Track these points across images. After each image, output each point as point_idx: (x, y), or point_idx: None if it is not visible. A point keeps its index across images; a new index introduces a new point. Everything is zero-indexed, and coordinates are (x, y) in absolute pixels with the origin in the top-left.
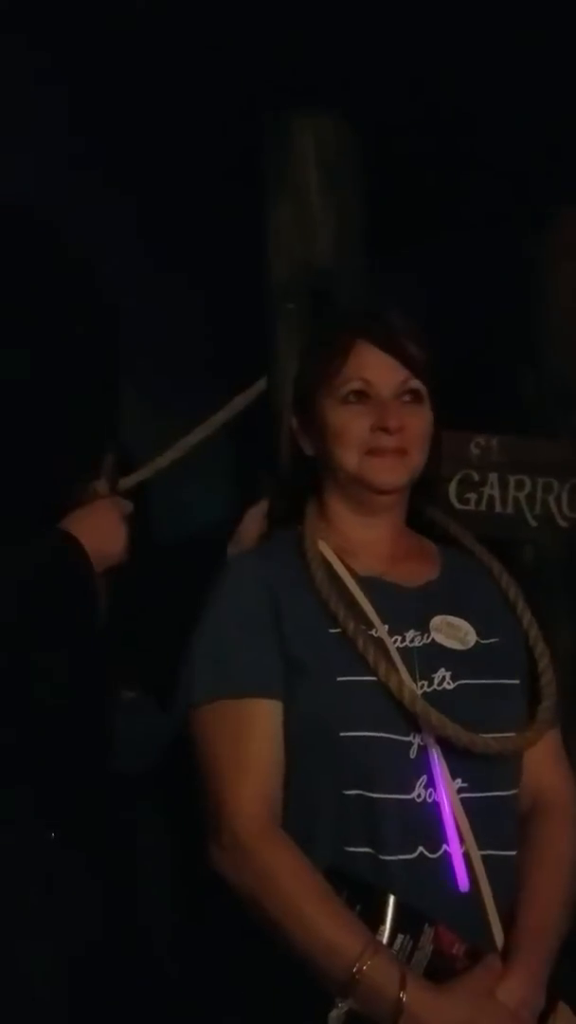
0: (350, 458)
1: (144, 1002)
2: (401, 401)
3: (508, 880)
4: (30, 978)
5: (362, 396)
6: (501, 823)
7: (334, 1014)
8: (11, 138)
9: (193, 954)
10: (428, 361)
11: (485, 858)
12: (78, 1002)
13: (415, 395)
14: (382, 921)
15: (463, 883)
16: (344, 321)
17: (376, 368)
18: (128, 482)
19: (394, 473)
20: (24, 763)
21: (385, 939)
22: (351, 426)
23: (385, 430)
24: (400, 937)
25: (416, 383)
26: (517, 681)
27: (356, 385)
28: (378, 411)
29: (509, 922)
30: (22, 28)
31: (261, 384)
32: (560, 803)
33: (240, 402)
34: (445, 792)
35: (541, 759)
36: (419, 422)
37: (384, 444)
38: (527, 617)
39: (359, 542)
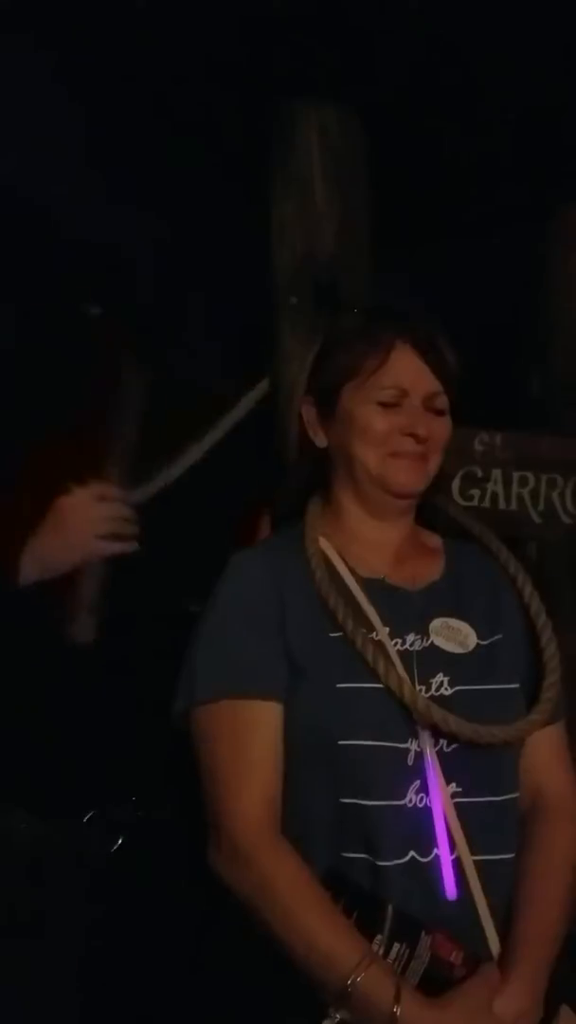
0: (372, 457)
1: (141, 1004)
2: (426, 408)
3: (505, 884)
4: (29, 977)
5: (396, 399)
6: (497, 827)
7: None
8: (15, 131)
9: (190, 957)
10: (457, 372)
11: (479, 863)
12: (76, 1002)
13: (441, 406)
14: (379, 930)
15: (451, 887)
16: (385, 318)
17: (413, 376)
18: (143, 494)
19: (414, 476)
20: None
21: (382, 948)
22: (379, 426)
23: (414, 436)
24: (397, 946)
25: (444, 399)
26: (516, 685)
27: (391, 392)
28: (408, 417)
29: (507, 926)
30: (26, 21)
31: (264, 385)
32: (561, 804)
33: (247, 404)
34: (436, 797)
35: (543, 759)
36: (443, 431)
37: (409, 449)
38: (535, 604)
39: (367, 542)
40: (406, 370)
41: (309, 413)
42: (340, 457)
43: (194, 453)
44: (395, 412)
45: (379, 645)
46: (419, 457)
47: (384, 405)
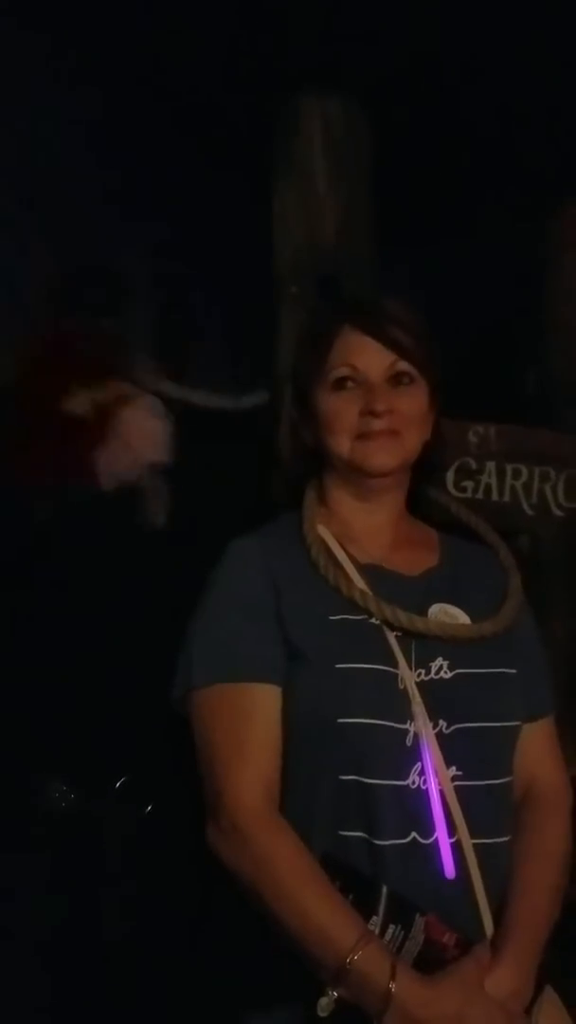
0: (342, 444)
1: (139, 980)
2: (391, 384)
3: (501, 867)
4: (26, 960)
5: (351, 382)
6: (495, 811)
7: (324, 1001)
8: (20, 125)
9: (187, 934)
10: (419, 343)
11: (478, 846)
12: (74, 985)
13: (406, 377)
14: (374, 911)
15: (450, 869)
16: (331, 309)
17: (361, 353)
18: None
19: (386, 455)
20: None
21: (377, 929)
22: (340, 412)
23: (373, 414)
24: (392, 927)
25: (404, 365)
26: (514, 671)
27: (343, 371)
28: (366, 396)
29: (500, 909)
30: (30, 18)
31: (263, 395)
32: (551, 793)
33: (239, 401)
34: (435, 779)
35: (536, 750)
36: (411, 404)
37: (373, 428)
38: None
39: (360, 529)
40: (353, 350)
41: (295, 415)
42: (322, 451)
43: (179, 391)
44: (354, 395)
45: (379, 630)
46: (388, 434)
47: (339, 388)
